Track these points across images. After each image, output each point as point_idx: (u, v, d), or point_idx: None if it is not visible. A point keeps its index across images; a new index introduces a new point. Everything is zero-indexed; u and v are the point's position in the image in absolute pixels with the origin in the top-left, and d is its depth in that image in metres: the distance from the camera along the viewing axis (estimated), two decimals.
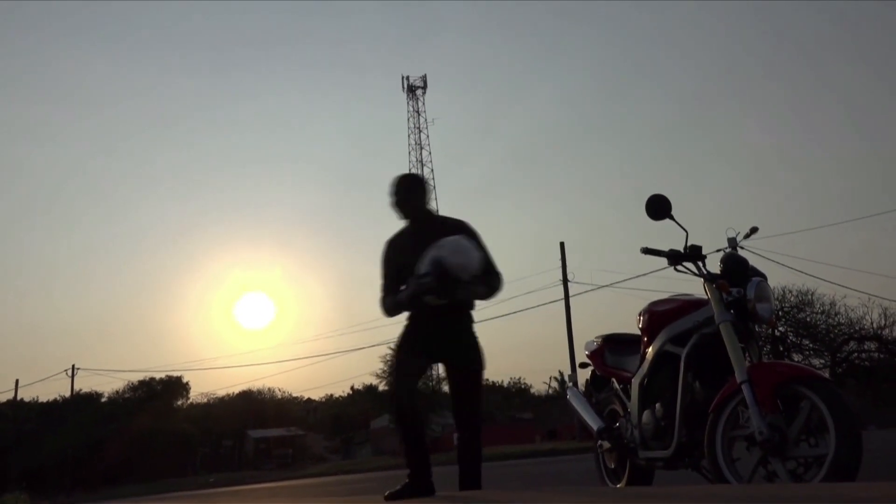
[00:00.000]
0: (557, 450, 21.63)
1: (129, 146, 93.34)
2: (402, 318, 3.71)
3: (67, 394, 43.18)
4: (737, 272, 3.25)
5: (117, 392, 52.45)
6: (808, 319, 27.57)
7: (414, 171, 59.52)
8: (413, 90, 61.39)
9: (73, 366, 40.55)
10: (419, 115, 61.04)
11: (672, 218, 3.39)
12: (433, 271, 3.37)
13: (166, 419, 44.74)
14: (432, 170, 60.49)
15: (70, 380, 40.86)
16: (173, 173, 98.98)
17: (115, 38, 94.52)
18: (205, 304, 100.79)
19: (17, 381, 42.24)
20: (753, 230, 22.69)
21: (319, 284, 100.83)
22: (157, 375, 52.08)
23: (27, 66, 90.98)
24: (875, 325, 27.34)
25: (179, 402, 53.25)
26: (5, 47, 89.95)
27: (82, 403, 45.36)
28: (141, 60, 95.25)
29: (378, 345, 47.64)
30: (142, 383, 51.97)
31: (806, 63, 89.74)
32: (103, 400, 50.96)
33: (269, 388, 54.99)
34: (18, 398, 43.24)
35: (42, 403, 48.26)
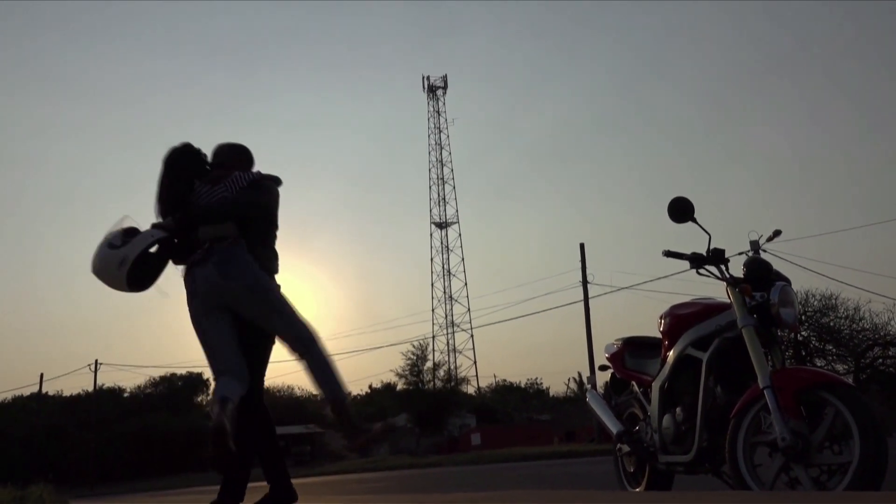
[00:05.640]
0: (575, 452, 21.50)
1: (152, 144, 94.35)
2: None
3: (91, 388, 43.79)
4: (760, 276, 3.22)
5: (139, 387, 53.10)
6: (832, 324, 27.19)
7: (434, 170, 59.66)
8: (433, 90, 61.49)
9: (97, 361, 41.14)
10: (439, 115, 61.13)
11: (695, 221, 3.37)
12: None
13: (187, 415, 45.16)
14: (452, 169, 60.68)
15: (93, 374, 41.49)
16: None
17: (136, 37, 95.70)
18: None
19: (41, 375, 43.01)
20: (776, 233, 22.39)
21: (338, 283, 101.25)
22: (178, 371, 52.58)
23: (47, 64, 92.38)
24: None
25: (200, 399, 53.72)
26: (26, 46, 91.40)
27: (105, 398, 45.95)
28: (163, 59, 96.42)
29: (396, 344, 47.75)
30: (163, 379, 52.55)
31: (832, 66, 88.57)
32: (125, 395, 51.59)
33: (287, 386, 55.32)
34: (43, 392, 43.97)
35: (66, 397, 48.98)
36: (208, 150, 3.61)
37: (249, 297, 3.21)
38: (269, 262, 3.41)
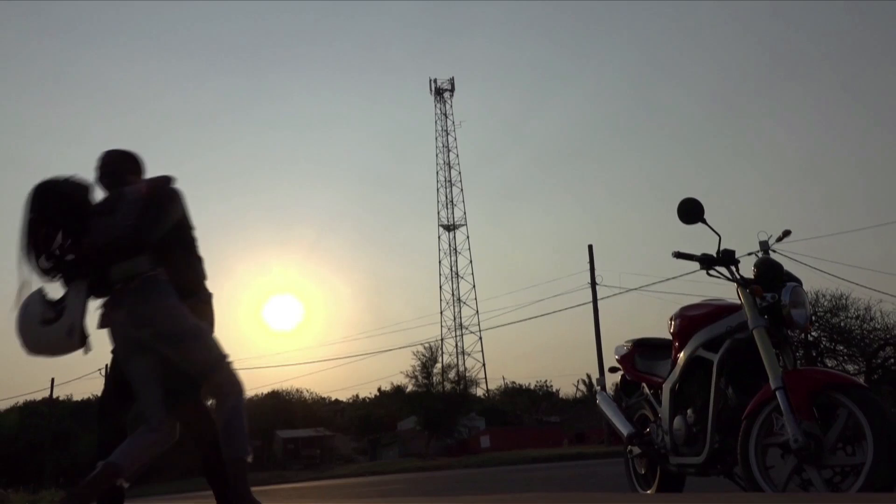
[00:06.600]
0: (585, 454, 21.48)
1: (159, 146, 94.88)
2: None
3: (100, 393, 43.95)
4: (771, 277, 3.21)
5: None
6: (843, 324, 27.00)
7: (441, 173, 59.72)
8: (441, 93, 61.57)
9: (107, 365, 41.22)
10: (447, 117, 61.20)
11: (705, 222, 3.36)
12: None
13: None
14: (460, 172, 60.63)
15: (103, 379, 41.65)
16: (202, 174, 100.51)
17: (146, 40, 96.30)
18: (234, 305, 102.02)
19: (52, 380, 43.21)
20: (786, 233, 22.25)
21: (347, 286, 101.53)
22: None
23: (57, 67, 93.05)
24: None
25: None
26: (40, 49, 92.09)
27: None
28: (173, 61, 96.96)
29: (405, 346, 47.83)
30: None
31: (842, 65, 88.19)
32: None
33: (297, 389, 55.44)
34: (54, 396, 44.19)
35: (76, 402, 49.18)
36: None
37: (163, 344, 3.03)
38: (197, 277, 3.23)
